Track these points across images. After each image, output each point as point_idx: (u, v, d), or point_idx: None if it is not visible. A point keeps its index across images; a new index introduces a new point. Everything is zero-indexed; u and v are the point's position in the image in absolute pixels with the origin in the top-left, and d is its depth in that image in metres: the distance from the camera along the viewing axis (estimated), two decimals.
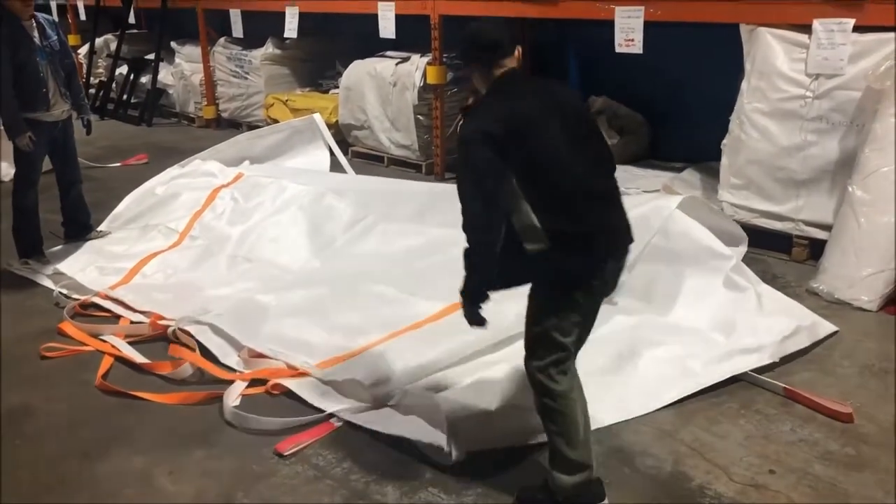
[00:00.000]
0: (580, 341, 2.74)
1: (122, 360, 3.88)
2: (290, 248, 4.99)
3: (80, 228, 5.45)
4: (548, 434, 2.72)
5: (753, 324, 3.83)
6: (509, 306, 3.42)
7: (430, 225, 4.92)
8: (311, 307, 4.17)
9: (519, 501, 2.84)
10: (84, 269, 4.95)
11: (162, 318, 4.15)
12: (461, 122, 2.74)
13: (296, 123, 6.77)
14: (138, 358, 3.86)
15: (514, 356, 3.55)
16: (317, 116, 6.67)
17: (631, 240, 2.70)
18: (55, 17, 11.35)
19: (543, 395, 2.67)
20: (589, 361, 3.64)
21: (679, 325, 3.89)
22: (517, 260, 2.59)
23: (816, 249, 4.77)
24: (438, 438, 3.03)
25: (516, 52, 2.71)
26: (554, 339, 2.64)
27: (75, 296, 4.56)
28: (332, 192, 5.36)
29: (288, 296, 4.32)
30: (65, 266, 5.00)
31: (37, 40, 4.82)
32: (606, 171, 2.70)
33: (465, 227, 2.53)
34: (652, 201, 4.36)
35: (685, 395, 3.41)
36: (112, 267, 4.94)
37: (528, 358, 2.72)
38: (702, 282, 4.05)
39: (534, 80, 2.81)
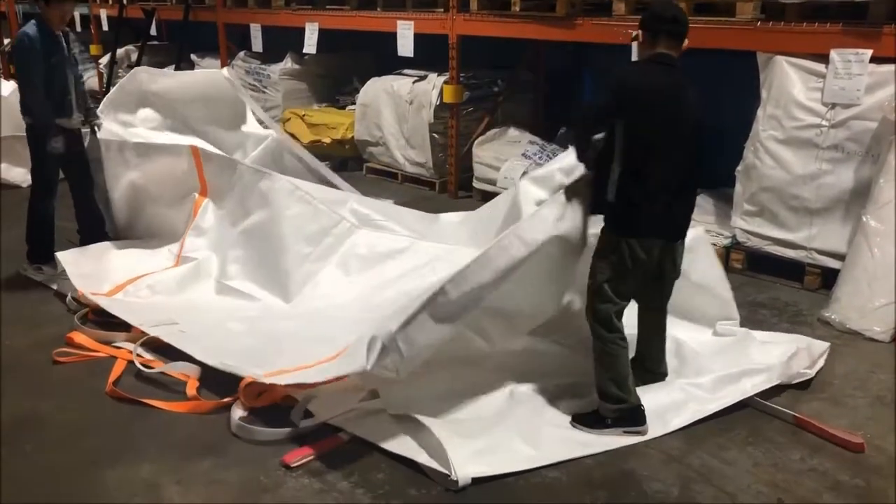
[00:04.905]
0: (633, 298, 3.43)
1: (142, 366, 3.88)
2: (268, 280, 4.74)
3: (96, 235, 5.49)
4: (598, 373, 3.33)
5: (756, 348, 3.85)
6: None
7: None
8: (276, 335, 4.13)
9: (574, 419, 3.37)
10: (85, 277, 4.77)
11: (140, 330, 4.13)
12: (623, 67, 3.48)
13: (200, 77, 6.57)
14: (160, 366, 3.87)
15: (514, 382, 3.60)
16: (225, 70, 6.42)
17: (684, 233, 3.37)
18: (79, 27, 11.57)
19: (597, 339, 3.30)
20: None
21: (686, 348, 3.89)
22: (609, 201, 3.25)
23: (829, 278, 4.76)
24: (445, 463, 3.03)
25: (683, 44, 3.22)
26: (607, 292, 3.26)
27: (91, 293, 4.51)
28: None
29: (259, 325, 4.29)
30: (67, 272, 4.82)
31: (65, 51, 4.97)
32: (688, 175, 3.31)
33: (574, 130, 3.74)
34: None
35: (693, 420, 3.40)
36: (108, 279, 4.81)
37: (587, 309, 3.34)
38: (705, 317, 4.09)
39: (679, 73, 3.26)
